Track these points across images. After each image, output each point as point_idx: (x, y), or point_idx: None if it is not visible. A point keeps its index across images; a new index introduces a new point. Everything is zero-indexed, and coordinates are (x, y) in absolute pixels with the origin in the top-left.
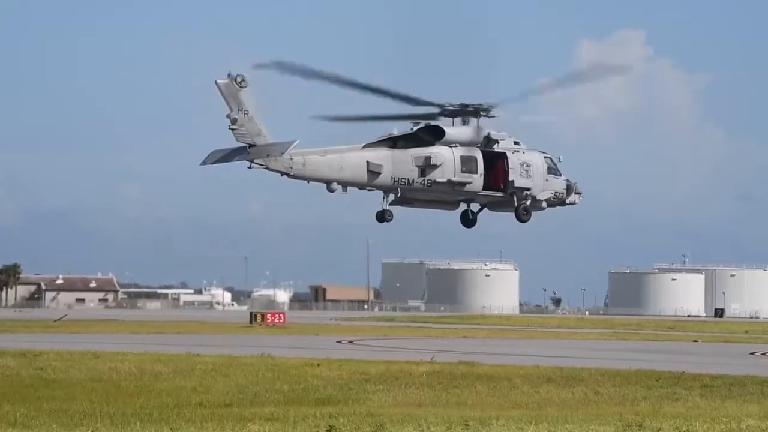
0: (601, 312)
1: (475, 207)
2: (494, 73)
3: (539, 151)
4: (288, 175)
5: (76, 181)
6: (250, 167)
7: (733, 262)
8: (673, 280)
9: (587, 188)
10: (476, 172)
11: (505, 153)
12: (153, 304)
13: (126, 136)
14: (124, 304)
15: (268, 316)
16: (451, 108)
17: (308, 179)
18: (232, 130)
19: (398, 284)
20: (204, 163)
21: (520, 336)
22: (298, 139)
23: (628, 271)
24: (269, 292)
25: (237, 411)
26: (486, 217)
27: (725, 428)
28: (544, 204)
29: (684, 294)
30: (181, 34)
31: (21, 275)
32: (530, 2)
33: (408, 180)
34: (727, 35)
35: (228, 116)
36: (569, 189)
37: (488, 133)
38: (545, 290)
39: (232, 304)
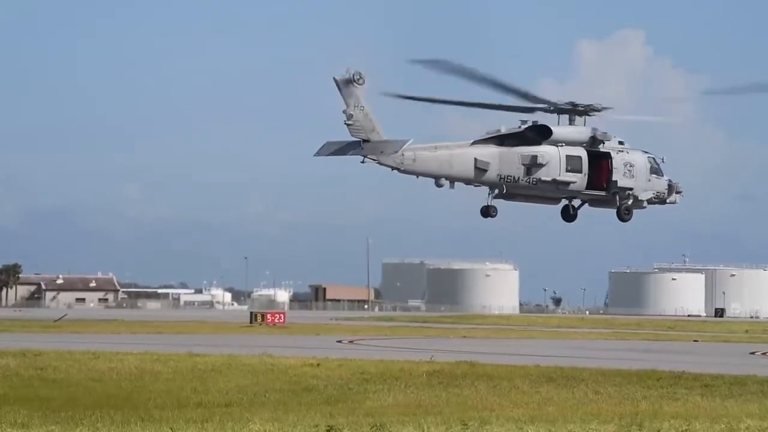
0: (601, 312)
1: (576, 202)
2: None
3: (642, 151)
4: (399, 170)
5: (76, 181)
6: (362, 161)
7: (733, 262)
8: (673, 280)
9: None
10: (581, 172)
11: (609, 153)
12: (153, 304)
13: (126, 136)
14: (124, 304)
15: (268, 316)
16: (559, 106)
17: (418, 174)
18: (348, 125)
19: (398, 284)
20: (318, 154)
21: (520, 336)
22: (412, 138)
23: (628, 271)
24: (269, 292)
25: (237, 411)
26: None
27: (725, 428)
28: (645, 203)
29: (684, 294)
30: (181, 34)
31: (21, 275)
32: (530, 2)
33: (514, 177)
34: (727, 35)
35: (344, 112)
36: (670, 189)
37: (594, 133)
38: (545, 290)
39: (233, 304)
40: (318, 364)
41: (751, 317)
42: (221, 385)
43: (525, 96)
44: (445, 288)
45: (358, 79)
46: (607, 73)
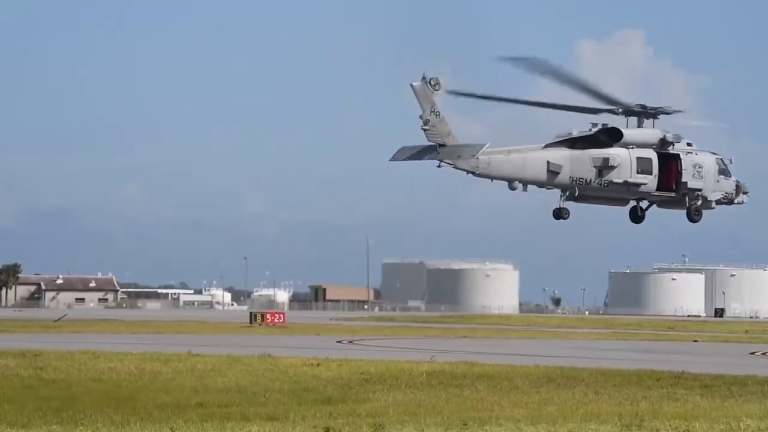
0: (601, 312)
1: (644, 203)
2: (495, 73)
3: (711, 153)
4: (474, 173)
5: (76, 181)
6: (439, 166)
7: (733, 262)
8: (673, 280)
9: None
10: (651, 173)
11: (678, 154)
12: (153, 304)
13: (126, 136)
14: (124, 304)
15: (268, 316)
16: (629, 108)
17: (492, 178)
18: (425, 130)
19: (398, 284)
20: (393, 159)
21: (520, 336)
22: (488, 142)
23: (628, 271)
24: (269, 292)
25: (237, 411)
26: (486, 217)
27: (725, 428)
28: (713, 204)
29: (684, 294)
30: (181, 34)
31: (21, 275)
32: (530, 2)
33: (586, 180)
34: (727, 35)
35: (420, 117)
36: (738, 189)
37: (664, 135)
38: (545, 290)
39: (232, 304)
40: (318, 365)
41: (751, 317)
42: (221, 385)
43: (607, 99)
44: (445, 288)
45: (435, 85)
46: (607, 73)
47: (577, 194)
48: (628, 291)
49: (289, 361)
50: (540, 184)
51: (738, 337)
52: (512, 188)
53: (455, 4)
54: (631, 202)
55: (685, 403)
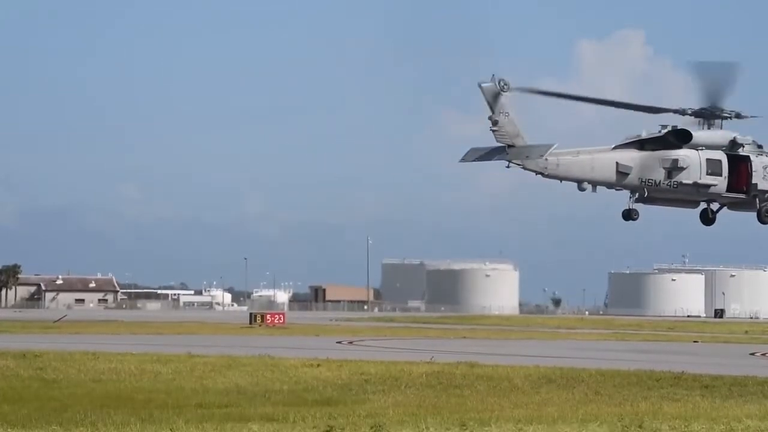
0: (601, 312)
1: (714, 205)
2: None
3: None
4: (542, 174)
5: (75, 181)
6: (508, 167)
7: (733, 263)
8: (672, 280)
9: (589, 189)
10: (721, 175)
11: (748, 156)
12: (153, 305)
13: (126, 136)
14: (124, 305)
15: (268, 316)
16: (700, 110)
17: (561, 179)
18: (493, 131)
19: (398, 284)
20: (463, 160)
21: (520, 336)
22: (557, 143)
23: (628, 272)
24: (269, 292)
25: (237, 411)
26: (485, 217)
27: (725, 428)
28: None
29: (684, 294)
30: (181, 34)
31: (21, 275)
32: (530, 2)
33: (655, 181)
34: (728, 35)
35: (490, 118)
36: None
37: (734, 137)
38: (545, 290)
39: (232, 305)
40: (318, 365)
41: (751, 318)
42: (221, 385)
43: (655, 110)
44: (445, 288)
45: (504, 86)
46: (607, 73)
47: (646, 195)
48: (628, 291)
49: (289, 361)
50: (609, 185)
51: (738, 338)
52: (581, 189)
53: (455, 4)
54: (702, 204)
55: (685, 403)
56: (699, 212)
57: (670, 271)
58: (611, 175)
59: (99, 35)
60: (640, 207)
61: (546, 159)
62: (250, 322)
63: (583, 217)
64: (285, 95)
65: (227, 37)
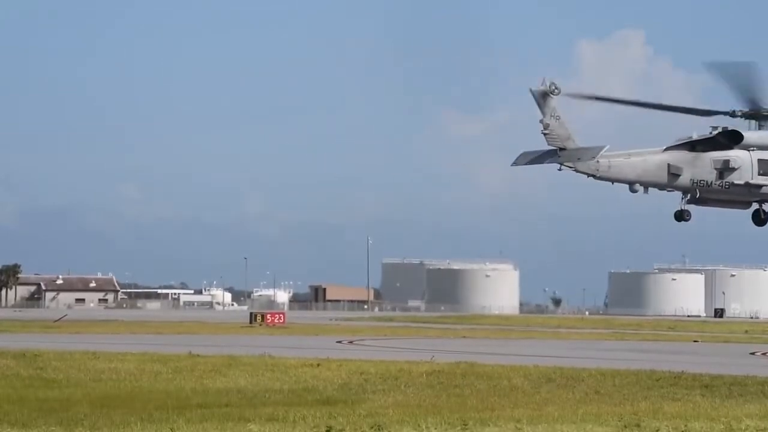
0: (601, 312)
1: (766, 206)
2: (495, 73)
3: None
4: (594, 176)
5: (75, 180)
6: (560, 169)
7: (733, 262)
8: (673, 280)
9: (588, 189)
10: None
11: None
12: (153, 305)
13: (126, 136)
14: (124, 305)
15: (268, 316)
16: (749, 112)
17: (613, 181)
18: (545, 134)
19: (398, 284)
20: (515, 164)
21: (520, 336)
22: (608, 145)
23: (628, 272)
24: (269, 292)
25: (237, 411)
26: (485, 217)
27: (725, 428)
28: None
29: (684, 294)
30: (181, 34)
31: (21, 275)
32: (530, 2)
33: (707, 182)
34: (728, 35)
35: (541, 121)
36: None
37: None
38: (545, 290)
39: (232, 305)
40: (318, 365)
41: (751, 317)
42: (221, 385)
43: (705, 113)
44: (445, 288)
45: (554, 90)
46: (607, 73)
47: (698, 196)
48: (628, 291)
49: (289, 361)
50: (661, 187)
51: (738, 337)
52: (633, 191)
53: (455, 4)
54: (754, 204)
55: (684, 403)
56: (751, 213)
57: (670, 270)
58: (663, 176)
59: (99, 35)
60: (691, 207)
61: (598, 161)
62: (250, 322)
63: (583, 217)
64: (285, 95)
65: (227, 37)
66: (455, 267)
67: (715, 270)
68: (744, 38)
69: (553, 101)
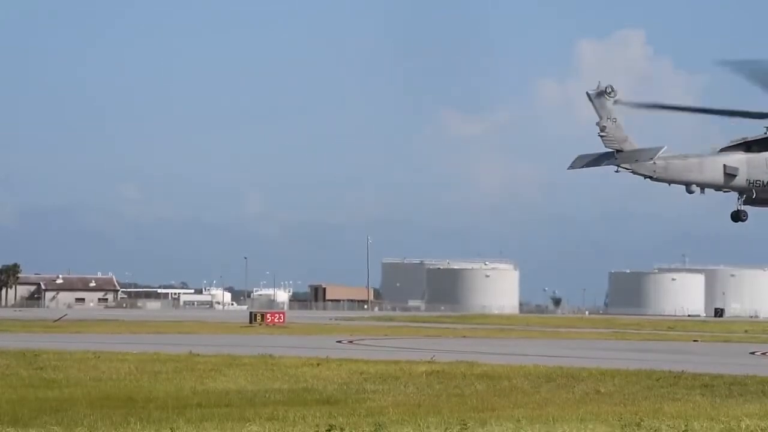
0: (601, 312)
1: None
2: (495, 73)
3: None
4: (651, 178)
5: (75, 180)
6: (617, 171)
7: (733, 262)
8: (673, 280)
9: (589, 189)
10: None
11: None
12: (153, 304)
13: (126, 135)
14: (124, 304)
15: (268, 315)
16: None
17: (669, 182)
18: (602, 137)
19: (398, 284)
20: (572, 167)
21: (520, 336)
22: (666, 146)
23: (628, 272)
24: (269, 291)
25: (237, 411)
26: (485, 217)
27: (725, 428)
28: None
29: (684, 294)
30: (181, 34)
31: (21, 275)
32: (530, 2)
33: (762, 182)
34: (728, 35)
35: (597, 124)
36: None
37: None
38: (545, 290)
39: (232, 304)
40: (318, 364)
41: (751, 317)
42: (221, 385)
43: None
44: (445, 288)
45: (610, 93)
46: (607, 73)
47: (755, 196)
48: (628, 291)
49: (289, 360)
50: (717, 187)
51: (738, 337)
52: (690, 192)
53: (455, 4)
54: None
55: (684, 402)
56: None
57: (670, 270)
58: (719, 177)
59: (99, 35)
60: (748, 208)
61: (655, 162)
62: (250, 322)
63: (583, 216)
64: (285, 95)
65: (227, 37)
66: (455, 267)
67: (715, 270)
68: (744, 38)
69: (610, 104)
